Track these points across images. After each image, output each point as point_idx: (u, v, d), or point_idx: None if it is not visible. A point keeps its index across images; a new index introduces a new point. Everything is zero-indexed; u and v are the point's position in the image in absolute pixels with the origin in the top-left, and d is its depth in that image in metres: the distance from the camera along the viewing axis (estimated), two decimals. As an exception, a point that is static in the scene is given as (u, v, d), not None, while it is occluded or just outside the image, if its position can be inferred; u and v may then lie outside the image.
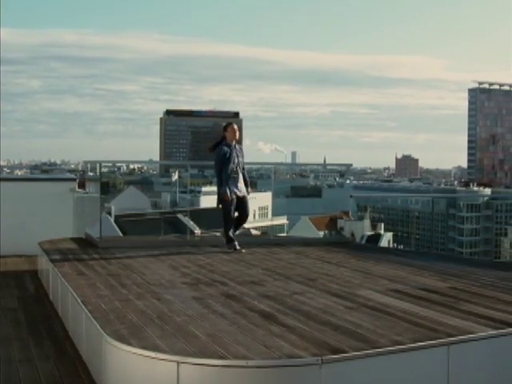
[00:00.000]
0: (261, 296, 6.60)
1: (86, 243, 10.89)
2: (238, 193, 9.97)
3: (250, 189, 10.23)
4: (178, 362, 4.40)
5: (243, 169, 10.08)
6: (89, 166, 13.50)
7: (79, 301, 6.33)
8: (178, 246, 10.70)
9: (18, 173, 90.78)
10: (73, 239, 11.34)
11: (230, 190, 9.81)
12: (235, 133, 9.99)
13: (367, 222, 73.13)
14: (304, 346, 4.67)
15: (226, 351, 4.53)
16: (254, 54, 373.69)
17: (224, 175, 9.81)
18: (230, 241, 9.99)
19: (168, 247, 10.42)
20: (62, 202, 12.27)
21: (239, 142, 10.20)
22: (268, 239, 11.49)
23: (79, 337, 6.35)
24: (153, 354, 4.51)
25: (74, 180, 13.28)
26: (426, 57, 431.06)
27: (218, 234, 10.84)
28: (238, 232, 10.31)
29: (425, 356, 4.78)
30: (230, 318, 5.63)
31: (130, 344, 4.77)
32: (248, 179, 10.17)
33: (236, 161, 9.91)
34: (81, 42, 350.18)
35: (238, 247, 9.95)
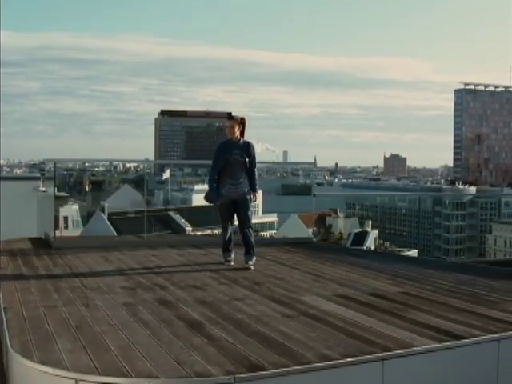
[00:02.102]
0: (197, 302, 6.19)
1: (42, 243, 10.42)
2: (233, 195, 8.38)
3: (254, 193, 8.48)
4: (76, 380, 3.98)
5: (250, 168, 8.39)
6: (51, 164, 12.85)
7: (1, 307, 5.91)
8: (136, 246, 10.23)
9: (18, 172, 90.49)
10: (31, 239, 10.85)
11: (214, 191, 8.38)
12: (229, 129, 8.40)
13: (355, 220, 72.89)
14: (220, 361, 4.26)
15: (131, 368, 4.11)
16: (246, 56, 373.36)
17: (211, 174, 8.48)
18: (223, 250, 8.67)
19: (125, 248, 9.97)
20: (26, 201, 11.74)
21: (242, 136, 8.54)
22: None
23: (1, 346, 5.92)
24: (50, 370, 4.10)
25: (38, 179, 12.78)
26: (412, 59, 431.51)
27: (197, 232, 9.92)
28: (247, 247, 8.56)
29: (355, 373, 4.38)
30: (154, 327, 5.21)
31: (31, 358, 4.35)
32: (256, 181, 8.44)
33: (232, 158, 8.33)
34: (77, 45, 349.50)
35: (229, 259, 8.59)
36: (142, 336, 4.95)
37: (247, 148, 8.40)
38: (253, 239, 8.47)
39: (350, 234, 62.36)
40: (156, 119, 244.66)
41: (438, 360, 4.75)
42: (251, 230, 8.52)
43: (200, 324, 5.34)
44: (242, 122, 8.42)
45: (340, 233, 65.94)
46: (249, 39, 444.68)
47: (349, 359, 4.36)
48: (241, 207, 8.42)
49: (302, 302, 6.28)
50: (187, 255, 9.38)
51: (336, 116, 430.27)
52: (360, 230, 67.83)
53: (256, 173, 8.44)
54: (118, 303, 6.13)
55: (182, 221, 55.56)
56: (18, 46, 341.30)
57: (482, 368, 4.96)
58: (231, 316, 5.64)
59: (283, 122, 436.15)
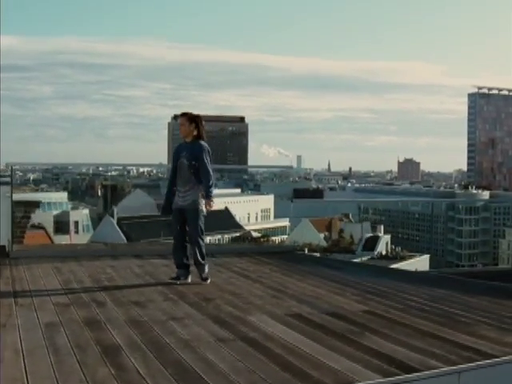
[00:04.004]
0: (129, 322, 5.51)
1: (0, 253, 9.72)
2: (180, 203, 7.48)
3: (208, 201, 7.38)
4: None
5: (200, 173, 7.39)
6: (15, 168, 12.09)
7: None
8: (98, 255, 9.52)
9: (31, 176, 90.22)
10: None
11: (164, 201, 7.65)
12: (179, 127, 7.61)
13: (367, 224, 72.04)
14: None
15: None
16: (259, 60, 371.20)
17: (168, 181, 7.73)
18: (177, 266, 7.61)
19: (86, 257, 9.29)
20: None
21: (199, 137, 7.58)
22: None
23: None
24: None
25: (7, 184, 12.09)
26: (424, 62, 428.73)
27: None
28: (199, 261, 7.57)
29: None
30: (63, 354, 4.54)
31: None
32: (209, 188, 7.37)
33: (179, 162, 7.48)
34: (90, 49, 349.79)
35: (178, 276, 7.50)
36: (42, 365, 4.29)
37: (196, 149, 7.45)
38: (200, 252, 7.48)
39: (361, 239, 61.62)
40: (169, 123, 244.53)
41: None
42: (199, 244, 7.49)
43: (117, 350, 4.67)
44: (195, 120, 7.58)
45: (351, 237, 65.25)
46: (261, 43, 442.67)
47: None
48: (187, 218, 7.47)
49: (247, 322, 5.59)
50: (147, 266, 8.70)
51: (349, 120, 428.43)
52: (371, 234, 67.03)
53: (209, 177, 7.36)
54: (40, 323, 5.46)
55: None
56: (30, 51, 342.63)
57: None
58: (158, 340, 4.96)
59: (296, 126, 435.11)
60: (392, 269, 10.35)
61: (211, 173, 7.46)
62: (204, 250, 7.54)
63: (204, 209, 7.48)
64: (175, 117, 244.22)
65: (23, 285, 7.26)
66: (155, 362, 4.39)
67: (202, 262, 7.50)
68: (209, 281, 7.47)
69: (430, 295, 6.99)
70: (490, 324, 5.66)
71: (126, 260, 9.16)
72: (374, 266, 10.71)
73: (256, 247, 12.76)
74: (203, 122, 7.62)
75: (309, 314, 5.96)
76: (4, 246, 9.65)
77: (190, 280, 7.50)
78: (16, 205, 11.82)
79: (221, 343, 4.88)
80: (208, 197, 7.36)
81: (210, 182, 7.41)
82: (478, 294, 7.23)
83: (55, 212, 65.57)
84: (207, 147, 7.51)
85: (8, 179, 12.40)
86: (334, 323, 5.62)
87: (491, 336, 5.21)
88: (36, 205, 12.91)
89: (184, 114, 7.62)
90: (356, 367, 4.32)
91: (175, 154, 7.61)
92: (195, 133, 7.52)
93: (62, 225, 61.52)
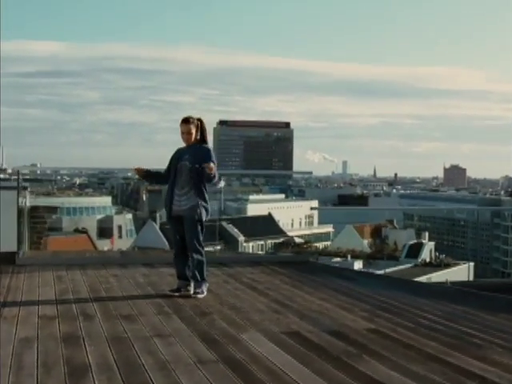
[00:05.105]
0: (111, 339, 5.13)
1: (9, 259, 9.41)
2: (176, 208, 7.00)
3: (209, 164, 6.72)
4: None
5: (195, 171, 6.88)
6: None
7: None
8: (106, 263, 9.16)
9: (77, 181, 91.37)
10: (1, 254, 9.88)
11: (166, 207, 7.14)
12: (186, 136, 7.01)
13: (411, 231, 71.14)
14: None
15: None
16: (303, 65, 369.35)
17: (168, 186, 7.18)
18: (178, 276, 7.18)
19: (93, 265, 8.95)
20: (7, 211, 10.76)
21: (203, 141, 7.10)
22: (212, 256, 9.87)
23: None
24: None
25: (24, 189, 11.83)
26: (469, 68, 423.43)
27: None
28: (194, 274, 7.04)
29: None
30: (25, 374, 4.20)
31: None
32: (203, 194, 6.97)
33: (180, 164, 6.96)
34: (136, 55, 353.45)
35: (178, 288, 7.06)
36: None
37: (202, 153, 6.95)
38: (200, 269, 6.95)
39: (404, 246, 60.65)
40: (214, 129, 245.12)
41: None
42: (198, 259, 6.94)
43: (85, 371, 4.29)
44: (201, 125, 7.08)
45: (395, 244, 64.28)
46: (307, 49, 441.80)
47: None
48: (184, 225, 6.97)
49: (237, 341, 5.16)
50: (153, 275, 8.32)
51: (394, 126, 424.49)
52: (415, 241, 66.13)
53: (214, 179, 6.93)
54: (16, 338, 5.11)
55: (234, 231, 54.88)
56: (77, 57, 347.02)
57: None
58: (133, 360, 4.56)
59: (341, 131, 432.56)
60: (409, 281, 9.80)
61: (217, 177, 7.01)
62: (204, 267, 7.02)
63: (204, 215, 7.01)
64: (220, 122, 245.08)
65: (16, 295, 6.94)
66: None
67: (199, 279, 7.00)
68: (201, 296, 6.94)
69: (445, 312, 6.47)
70: (503, 347, 5.15)
71: (133, 269, 8.79)
72: (391, 277, 10.18)
73: (272, 256, 12.33)
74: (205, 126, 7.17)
75: (308, 331, 5.51)
76: (14, 253, 9.37)
77: (192, 291, 7.07)
78: (32, 210, 11.59)
79: (200, 365, 4.46)
80: (215, 175, 6.88)
81: (214, 181, 6.98)
82: (498, 310, 6.68)
83: (99, 216, 66.09)
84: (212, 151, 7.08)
85: (24, 184, 12.18)
86: (332, 343, 5.16)
87: (503, 361, 4.70)
88: (53, 210, 12.66)
89: (187, 121, 7.04)
90: (341, 397, 3.87)
91: (175, 158, 7.10)
92: (198, 137, 7.09)
93: (105, 229, 61.96)
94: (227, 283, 7.90)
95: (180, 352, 4.81)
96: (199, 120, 7.06)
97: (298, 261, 9.72)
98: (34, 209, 11.65)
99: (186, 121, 7.03)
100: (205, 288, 7.02)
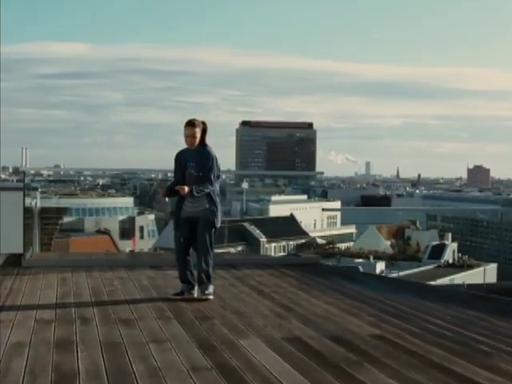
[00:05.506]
0: (105, 344, 4.99)
1: (13, 261, 9.32)
2: (189, 210, 6.88)
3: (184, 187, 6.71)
4: None
5: (200, 179, 6.75)
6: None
7: None
8: (113, 265, 9.02)
9: (100, 182, 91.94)
10: (11, 256, 9.78)
11: (177, 208, 7.02)
12: (190, 139, 6.85)
13: (434, 232, 70.51)
14: None
15: None
16: (325, 66, 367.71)
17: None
18: (181, 280, 7.03)
19: (100, 267, 8.81)
20: (14, 213, 10.66)
21: (203, 142, 6.90)
22: (221, 258, 9.73)
23: None
24: None
25: (35, 189, 11.74)
26: (493, 69, 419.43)
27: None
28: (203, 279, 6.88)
29: None
30: (8, 382, 4.04)
31: None
32: (203, 186, 6.75)
33: (187, 173, 6.84)
34: (158, 56, 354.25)
35: (182, 291, 6.92)
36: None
37: (203, 157, 6.81)
38: (206, 271, 6.83)
39: (427, 247, 60.10)
40: (237, 130, 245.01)
41: None
42: (207, 261, 6.82)
43: (73, 378, 4.15)
44: (205, 128, 6.92)
45: (417, 245, 63.72)
46: (328, 50, 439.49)
47: None
48: (197, 226, 6.85)
49: (235, 347, 5.00)
50: (159, 278, 8.19)
51: (417, 126, 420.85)
52: (438, 242, 65.64)
53: (209, 185, 6.76)
54: (8, 343, 4.99)
55: (256, 232, 54.73)
56: (100, 58, 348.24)
57: None
58: (124, 367, 4.41)
59: (364, 132, 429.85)
60: (420, 284, 9.55)
61: (213, 182, 6.83)
62: (211, 269, 6.89)
63: (218, 221, 6.89)
64: (243, 123, 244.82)
65: (17, 298, 6.83)
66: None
67: (205, 281, 6.86)
68: (211, 297, 6.84)
69: (455, 317, 6.25)
70: (512, 354, 4.93)
71: (140, 271, 8.65)
72: (401, 280, 9.99)
73: (281, 258, 12.15)
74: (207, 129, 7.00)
75: (309, 337, 5.33)
76: (20, 255, 9.27)
77: (196, 294, 6.92)
78: (43, 211, 11.51)
79: (193, 373, 4.30)
80: (193, 190, 6.71)
81: (208, 190, 6.78)
82: (511, 315, 6.45)
83: (121, 217, 66.21)
84: (215, 155, 6.87)
85: (34, 185, 12.12)
86: (334, 350, 4.98)
87: (509, 370, 4.49)
88: (64, 211, 12.58)
89: (192, 124, 6.85)
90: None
91: (181, 161, 6.94)
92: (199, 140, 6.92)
93: (127, 230, 62.08)
94: (233, 286, 7.74)
95: (174, 359, 4.65)
96: (203, 123, 6.88)
97: (307, 263, 9.53)
98: (44, 210, 11.57)
99: (192, 124, 6.85)
100: (212, 290, 6.87)
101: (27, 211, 10.50)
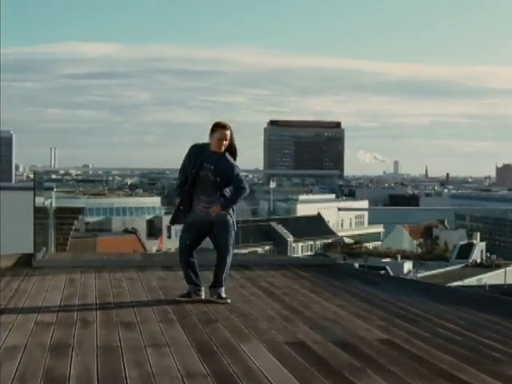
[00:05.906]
0: (102, 348, 4.86)
1: (24, 261, 9.21)
2: (202, 214, 6.60)
3: (219, 206, 6.50)
4: None
5: (218, 184, 6.49)
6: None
7: None
8: (123, 266, 8.86)
9: (128, 181, 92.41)
10: (22, 256, 9.68)
11: (181, 211, 6.70)
12: (220, 142, 6.51)
13: (463, 231, 69.85)
14: None
15: None
16: (355, 65, 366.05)
17: (180, 185, 6.79)
18: (187, 281, 6.85)
19: (111, 268, 8.69)
20: (28, 213, 10.56)
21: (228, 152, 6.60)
22: (236, 259, 9.51)
23: None
24: None
25: (50, 190, 11.67)
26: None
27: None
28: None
29: None
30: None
31: None
32: (236, 196, 6.60)
33: (202, 174, 6.49)
34: (186, 56, 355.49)
35: (188, 293, 6.77)
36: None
37: (222, 164, 6.51)
38: (226, 269, 6.74)
39: (455, 246, 59.49)
40: (265, 129, 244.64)
41: None
42: (228, 259, 6.72)
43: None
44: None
45: (445, 244, 63.11)
46: (356, 49, 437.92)
47: None
48: (216, 230, 6.65)
49: (236, 352, 4.83)
50: (169, 279, 8.04)
51: (446, 125, 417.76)
52: (466, 242, 65.05)
53: (244, 192, 6.58)
54: (3, 346, 4.88)
55: (284, 231, 54.49)
56: (129, 58, 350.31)
57: None
58: (117, 372, 4.27)
59: (392, 131, 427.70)
60: (434, 286, 9.29)
61: (247, 190, 6.63)
62: (227, 272, 6.80)
63: (234, 221, 6.72)
64: (271, 122, 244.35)
65: (21, 299, 6.72)
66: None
67: (223, 284, 6.73)
68: (229, 300, 6.66)
69: (467, 320, 6.03)
70: (524, 361, 4.70)
71: (150, 271, 8.52)
72: (416, 281, 9.77)
73: (296, 259, 11.91)
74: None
75: (314, 342, 5.15)
76: (31, 255, 9.18)
77: (203, 295, 6.77)
78: (58, 211, 11.43)
79: (187, 379, 4.15)
80: (225, 204, 6.55)
81: (243, 196, 6.65)
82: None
83: (148, 217, 66.38)
84: (234, 162, 6.63)
85: (48, 184, 12.04)
86: (338, 356, 4.79)
87: (519, 378, 4.27)
88: (79, 211, 12.51)
89: (227, 128, 6.53)
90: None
91: (197, 157, 6.57)
92: None
93: (154, 229, 62.21)
94: (243, 288, 7.58)
95: (170, 364, 4.50)
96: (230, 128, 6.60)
97: (322, 264, 9.33)
98: (60, 210, 11.50)
99: (225, 127, 6.53)
100: (223, 293, 6.77)
101: (43, 211, 10.45)
